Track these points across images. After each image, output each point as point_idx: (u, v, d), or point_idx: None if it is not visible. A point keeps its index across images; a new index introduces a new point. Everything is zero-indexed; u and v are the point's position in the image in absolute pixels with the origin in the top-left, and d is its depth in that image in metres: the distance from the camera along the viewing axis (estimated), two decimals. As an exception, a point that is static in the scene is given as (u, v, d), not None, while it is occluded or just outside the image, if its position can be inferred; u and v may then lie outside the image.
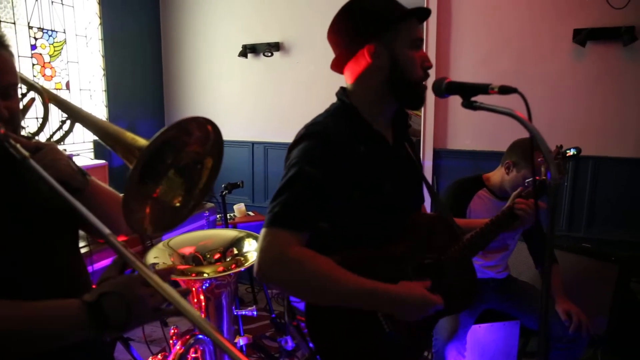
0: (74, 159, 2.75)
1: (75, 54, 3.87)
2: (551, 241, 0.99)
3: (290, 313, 1.62)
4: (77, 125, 1.30)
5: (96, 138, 1.24)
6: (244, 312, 2.30)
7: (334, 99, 1.36)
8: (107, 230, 0.81)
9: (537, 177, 1.48)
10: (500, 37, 3.35)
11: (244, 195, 4.29)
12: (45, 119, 1.30)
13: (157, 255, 2.01)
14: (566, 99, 3.21)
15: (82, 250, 1.33)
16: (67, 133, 1.32)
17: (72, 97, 3.84)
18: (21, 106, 1.11)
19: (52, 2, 3.64)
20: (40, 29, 3.55)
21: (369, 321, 1.25)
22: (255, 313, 2.29)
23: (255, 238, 2.16)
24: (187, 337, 1.89)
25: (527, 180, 1.75)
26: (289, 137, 1.28)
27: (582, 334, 2.02)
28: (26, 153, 0.92)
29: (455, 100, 1.14)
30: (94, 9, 3.99)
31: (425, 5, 2.70)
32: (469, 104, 1.11)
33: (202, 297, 1.98)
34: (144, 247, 2.38)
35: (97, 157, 3.86)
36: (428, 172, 3.65)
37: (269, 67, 4.14)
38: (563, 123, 3.20)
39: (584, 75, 3.15)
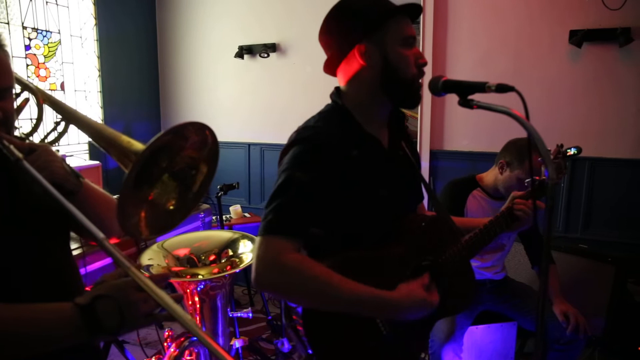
0: (68, 159, 2.74)
1: (70, 54, 3.84)
2: (548, 242, 0.99)
3: (288, 314, 1.62)
4: (72, 126, 1.28)
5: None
6: (239, 314, 2.29)
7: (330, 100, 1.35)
8: (101, 235, 0.81)
9: (537, 177, 1.48)
10: (497, 39, 3.35)
11: (240, 196, 4.28)
12: (39, 119, 1.29)
13: (152, 257, 2.01)
14: (563, 100, 3.21)
15: (76, 252, 1.31)
16: (61, 134, 1.31)
17: (67, 99, 3.81)
18: (15, 106, 1.10)
19: (47, 2, 3.61)
20: (35, 29, 3.52)
21: (366, 323, 1.24)
22: (250, 315, 2.29)
23: (251, 239, 2.15)
24: (182, 339, 1.88)
25: (526, 181, 1.74)
26: (285, 139, 1.27)
27: (580, 335, 2.03)
28: (20, 154, 0.91)
29: (452, 101, 1.14)
30: (89, 9, 3.96)
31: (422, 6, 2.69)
32: (465, 102, 1.10)
33: (196, 298, 1.97)
34: (138, 249, 2.36)
35: (92, 158, 3.83)
36: (425, 173, 3.64)
37: (265, 68, 4.13)
38: (560, 124, 3.21)
39: (580, 76, 3.15)
